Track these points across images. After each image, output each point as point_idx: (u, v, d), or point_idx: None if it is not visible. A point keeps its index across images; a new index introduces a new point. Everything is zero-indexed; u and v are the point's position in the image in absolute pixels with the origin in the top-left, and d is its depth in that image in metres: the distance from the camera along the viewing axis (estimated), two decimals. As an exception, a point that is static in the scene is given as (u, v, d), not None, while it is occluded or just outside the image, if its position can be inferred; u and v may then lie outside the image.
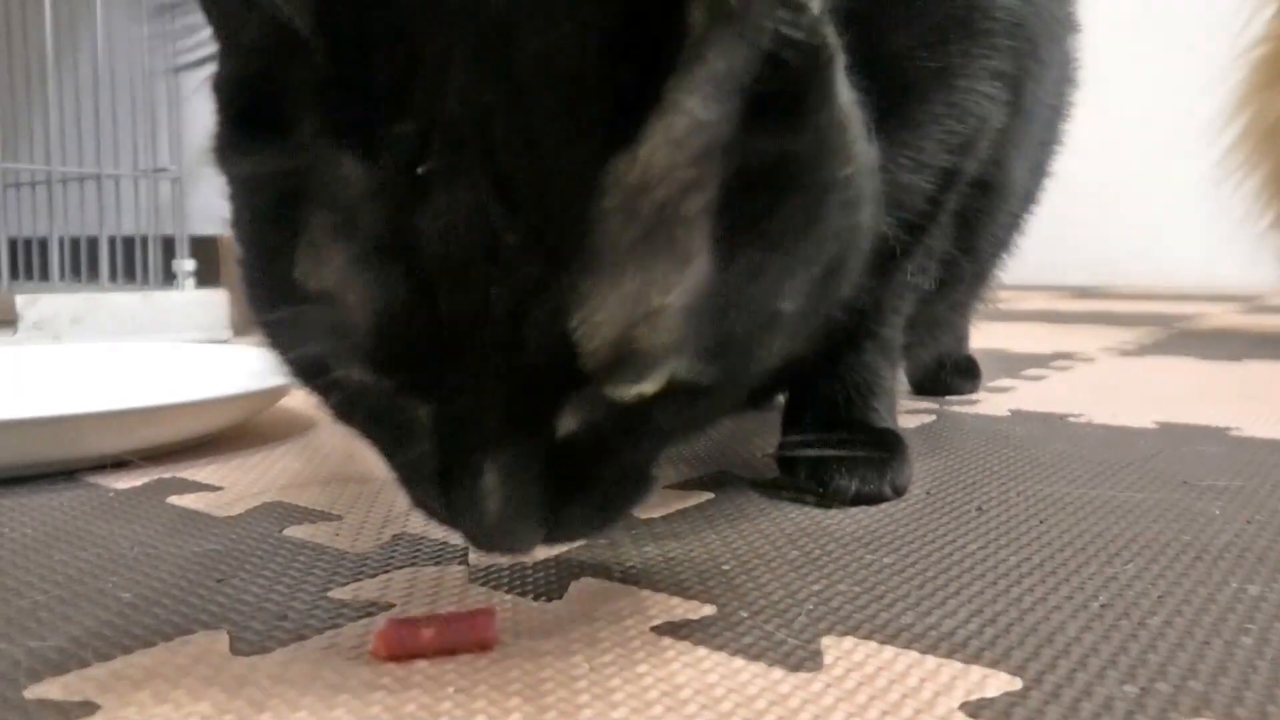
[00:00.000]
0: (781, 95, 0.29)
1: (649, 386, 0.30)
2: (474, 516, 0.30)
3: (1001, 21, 0.48)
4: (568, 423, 0.30)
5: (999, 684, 0.31)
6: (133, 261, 1.55)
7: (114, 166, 1.54)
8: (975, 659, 0.33)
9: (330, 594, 0.39)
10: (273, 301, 0.31)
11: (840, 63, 0.32)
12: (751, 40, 0.28)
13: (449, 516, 0.32)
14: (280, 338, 0.33)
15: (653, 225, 0.28)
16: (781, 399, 0.62)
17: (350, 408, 0.33)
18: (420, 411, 0.30)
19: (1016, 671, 0.32)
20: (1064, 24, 0.61)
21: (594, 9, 0.27)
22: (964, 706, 0.30)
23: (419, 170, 0.27)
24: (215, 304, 1.45)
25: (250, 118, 0.30)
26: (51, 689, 0.31)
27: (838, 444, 0.51)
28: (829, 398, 0.56)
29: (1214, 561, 0.43)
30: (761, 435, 0.67)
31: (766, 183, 0.30)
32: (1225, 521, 0.49)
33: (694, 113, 0.28)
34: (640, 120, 0.27)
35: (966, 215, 0.55)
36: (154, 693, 0.31)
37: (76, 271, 1.62)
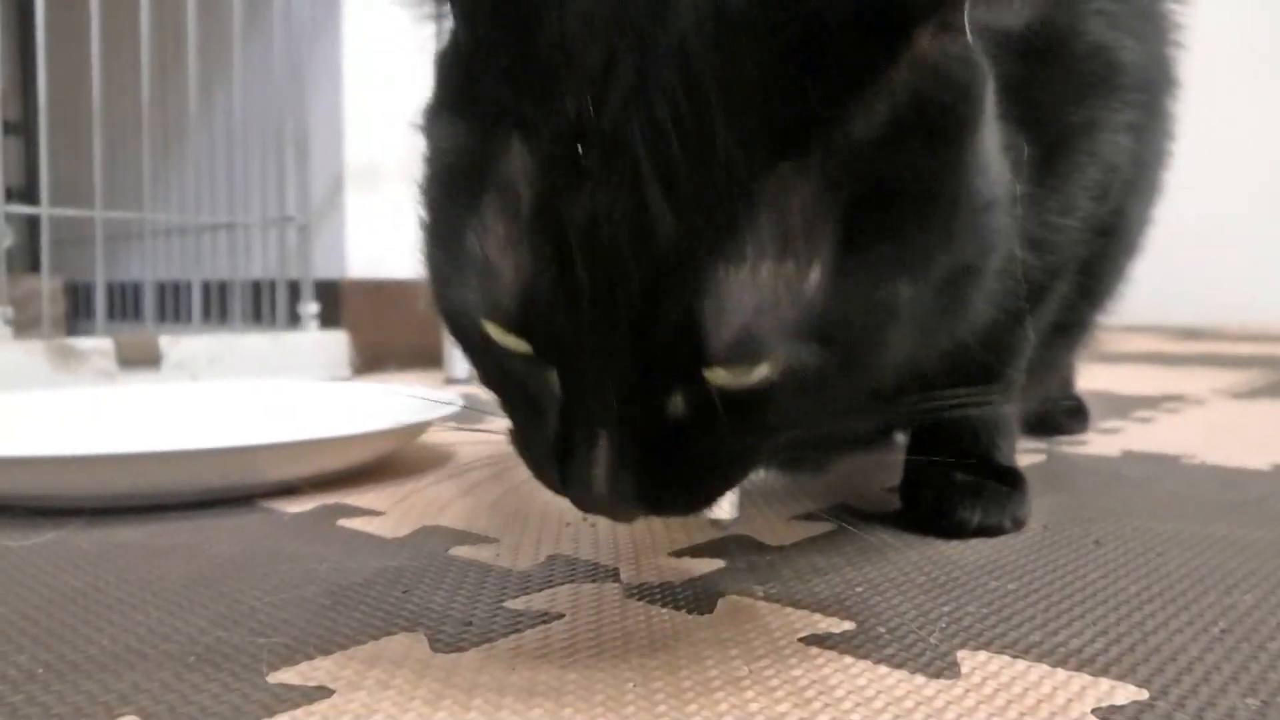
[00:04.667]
0: (932, 112, 0.33)
1: (763, 375, 0.32)
2: (583, 483, 0.34)
3: (1133, 77, 0.52)
4: (678, 404, 0.33)
5: (1127, 694, 0.34)
6: (260, 304, 1.66)
7: (244, 215, 1.65)
8: (1103, 672, 0.36)
9: (505, 604, 0.44)
10: (446, 262, 0.35)
11: (990, 86, 0.35)
12: (922, 72, 0.32)
13: (561, 482, 0.35)
14: (448, 294, 0.36)
15: (795, 226, 0.31)
16: (900, 438, 0.65)
17: (496, 372, 0.37)
18: (550, 381, 0.34)
19: (1143, 684, 0.35)
20: (1172, 81, 0.64)
21: (770, 44, 0.31)
22: (1095, 711, 0.33)
23: (579, 161, 0.30)
24: (337, 345, 1.54)
25: (456, 95, 0.35)
26: (289, 675, 0.36)
27: (962, 478, 0.54)
28: (955, 434, 0.59)
29: (1332, 594, 0.45)
30: (879, 474, 0.70)
31: (904, 190, 0.33)
32: (1343, 558, 0.51)
33: (854, 134, 0.32)
34: (805, 136, 0.31)
35: (1088, 260, 0.58)
36: (377, 681, 0.35)
37: (208, 314, 1.74)
